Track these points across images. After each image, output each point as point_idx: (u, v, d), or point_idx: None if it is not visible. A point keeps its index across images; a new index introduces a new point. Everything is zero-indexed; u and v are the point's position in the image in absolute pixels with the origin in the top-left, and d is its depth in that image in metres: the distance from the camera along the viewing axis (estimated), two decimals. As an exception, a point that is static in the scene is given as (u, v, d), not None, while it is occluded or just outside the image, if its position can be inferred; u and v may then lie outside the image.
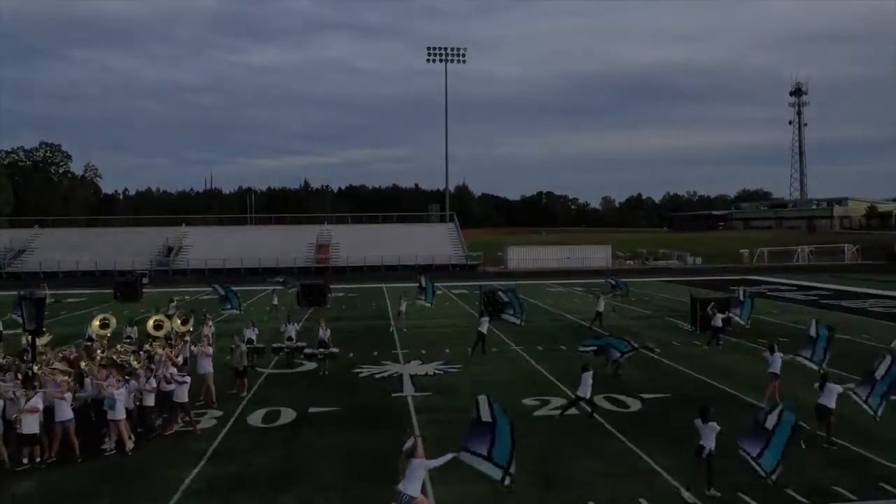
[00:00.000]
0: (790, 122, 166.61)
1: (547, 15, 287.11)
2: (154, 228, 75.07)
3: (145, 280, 55.30)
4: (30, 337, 15.29)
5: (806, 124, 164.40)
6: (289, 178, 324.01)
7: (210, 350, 17.26)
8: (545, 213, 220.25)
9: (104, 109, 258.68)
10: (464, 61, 78.72)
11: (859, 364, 19.99)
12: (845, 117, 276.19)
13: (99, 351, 16.70)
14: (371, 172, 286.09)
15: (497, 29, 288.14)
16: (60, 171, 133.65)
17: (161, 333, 19.11)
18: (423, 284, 30.63)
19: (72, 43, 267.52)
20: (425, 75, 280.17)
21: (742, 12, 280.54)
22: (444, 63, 78.81)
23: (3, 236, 70.88)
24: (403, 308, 29.55)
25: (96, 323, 19.13)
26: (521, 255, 68.46)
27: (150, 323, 19.46)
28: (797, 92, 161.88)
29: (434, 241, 71.10)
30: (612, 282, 35.91)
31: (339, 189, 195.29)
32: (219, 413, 16.49)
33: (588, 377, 15.57)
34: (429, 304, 30.26)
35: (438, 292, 46.05)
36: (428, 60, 78.05)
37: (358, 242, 70.01)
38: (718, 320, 23.98)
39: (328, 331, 21.26)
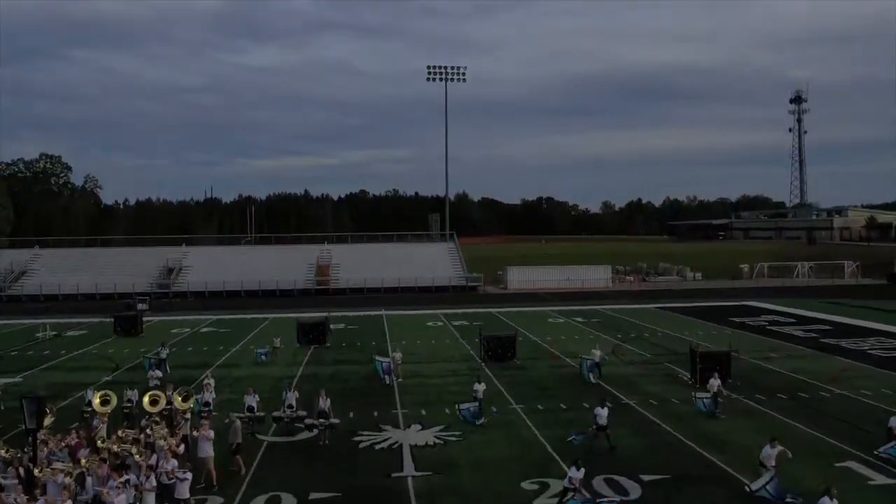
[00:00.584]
0: (790, 130, 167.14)
1: (547, 15, 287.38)
2: (154, 249, 75.06)
3: (144, 307, 55.41)
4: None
5: (806, 131, 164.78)
6: (289, 180, 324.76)
7: (211, 434, 17.27)
8: (545, 218, 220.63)
9: (104, 110, 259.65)
10: (464, 80, 79.06)
11: (857, 434, 19.87)
12: (846, 118, 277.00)
13: (99, 441, 16.71)
14: (371, 173, 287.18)
15: (497, 29, 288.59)
16: (61, 182, 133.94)
17: (157, 409, 19.13)
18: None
19: (72, 43, 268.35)
20: (425, 75, 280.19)
21: (742, 13, 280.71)
22: (444, 82, 79.14)
23: (4, 257, 70.94)
24: (399, 360, 29.52)
25: (97, 400, 19.12)
26: (521, 276, 68.60)
27: (147, 399, 19.48)
28: (797, 99, 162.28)
29: (434, 262, 71.19)
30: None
31: (340, 197, 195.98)
32: (219, 500, 16.51)
33: (574, 471, 15.53)
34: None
35: (439, 323, 46.32)
36: (428, 79, 78.34)
37: (358, 263, 70.07)
38: (715, 385, 23.96)
39: (328, 400, 21.27)
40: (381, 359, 29.91)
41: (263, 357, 33.65)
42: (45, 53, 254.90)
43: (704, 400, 23.33)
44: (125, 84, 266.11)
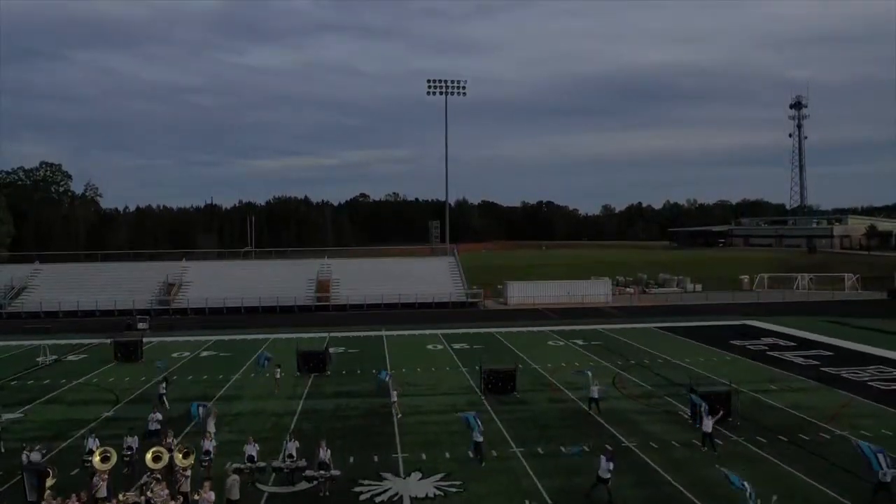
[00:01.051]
0: (790, 135, 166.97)
1: (547, 16, 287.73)
2: (154, 263, 75.14)
3: (145, 326, 55.52)
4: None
5: (806, 137, 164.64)
6: (289, 181, 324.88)
7: (212, 496, 17.30)
8: (545, 222, 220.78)
9: (104, 111, 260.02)
10: (464, 93, 79.08)
11: (855, 485, 19.69)
12: (847, 118, 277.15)
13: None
14: (372, 174, 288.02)
15: (497, 30, 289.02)
16: (61, 190, 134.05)
17: (159, 466, 19.14)
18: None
19: (71, 44, 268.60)
20: (425, 76, 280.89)
21: (742, 13, 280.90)
22: (444, 95, 79.15)
23: (4, 273, 70.98)
24: (395, 398, 29.49)
25: (97, 458, 19.11)
26: (521, 292, 68.63)
27: (149, 455, 19.50)
28: (797, 105, 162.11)
29: (434, 277, 71.23)
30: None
31: (340, 203, 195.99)
32: (220, 564, 16.55)
33: None
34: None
35: (439, 346, 46.29)
36: (428, 93, 78.38)
37: (358, 278, 70.16)
38: (709, 425, 24.00)
39: (328, 451, 21.28)
40: (385, 373, 32.61)
41: (266, 362, 35.47)
42: (44, 54, 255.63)
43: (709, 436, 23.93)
44: (125, 85, 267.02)
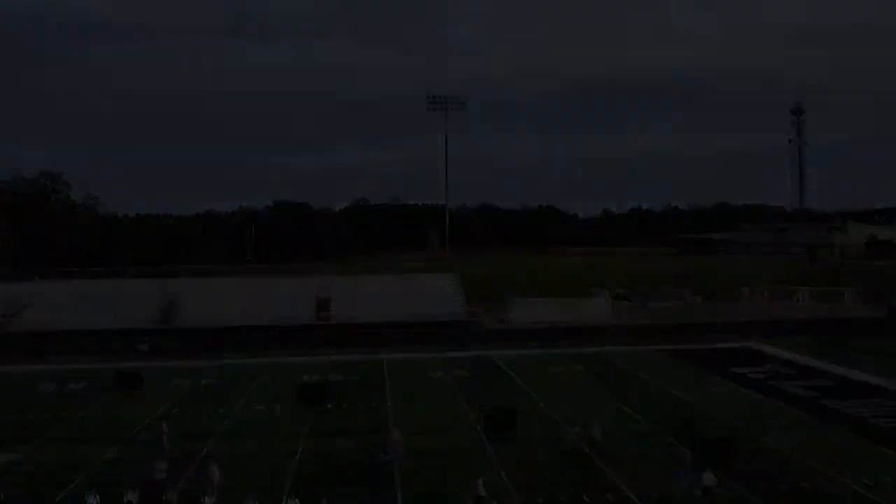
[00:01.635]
0: (790, 141, 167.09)
1: (546, 15, 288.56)
2: (155, 280, 75.01)
3: (145, 348, 55.64)
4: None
5: (807, 143, 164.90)
6: (289, 182, 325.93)
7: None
8: (546, 225, 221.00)
9: (102, 111, 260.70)
10: (464, 108, 79.22)
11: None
12: (847, 119, 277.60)
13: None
14: (372, 175, 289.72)
15: (495, 29, 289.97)
16: (60, 199, 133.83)
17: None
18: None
19: (69, 44, 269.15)
20: (425, 76, 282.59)
21: (742, 13, 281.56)
22: (444, 112, 79.31)
23: (3, 291, 70.72)
24: (397, 437, 29.42)
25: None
26: (521, 312, 68.63)
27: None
28: (797, 111, 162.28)
29: (434, 295, 70.96)
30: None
31: (340, 209, 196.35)
32: None
33: None
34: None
35: (439, 373, 46.26)
36: (428, 109, 78.51)
37: (358, 296, 69.98)
38: (709, 479, 23.96)
39: (328, 511, 21.28)
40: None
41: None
42: (39, 55, 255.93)
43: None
44: (123, 85, 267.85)
